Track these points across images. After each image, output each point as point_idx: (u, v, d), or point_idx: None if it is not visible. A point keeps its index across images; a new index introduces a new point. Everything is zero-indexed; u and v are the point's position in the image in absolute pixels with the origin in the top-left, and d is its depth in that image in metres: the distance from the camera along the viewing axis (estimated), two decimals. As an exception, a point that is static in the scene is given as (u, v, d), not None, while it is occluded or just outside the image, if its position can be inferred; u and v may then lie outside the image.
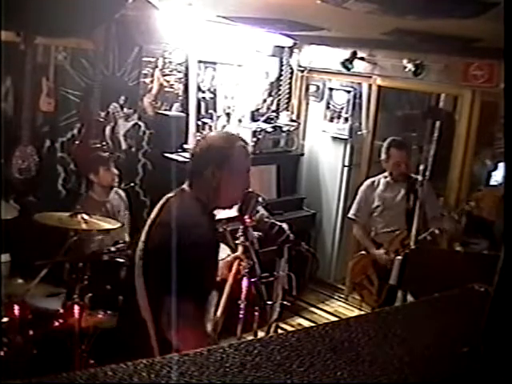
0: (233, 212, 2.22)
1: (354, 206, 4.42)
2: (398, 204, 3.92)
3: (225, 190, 2.06)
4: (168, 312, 1.89)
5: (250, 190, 2.16)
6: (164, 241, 1.94)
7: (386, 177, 4.29)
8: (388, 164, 4.23)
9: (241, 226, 2.18)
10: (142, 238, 2.06)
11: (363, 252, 4.33)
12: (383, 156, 4.26)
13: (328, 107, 5.45)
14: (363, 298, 4.38)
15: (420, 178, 3.86)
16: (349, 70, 4.92)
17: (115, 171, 3.99)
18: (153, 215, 2.13)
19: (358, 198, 4.42)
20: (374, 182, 4.37)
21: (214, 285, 2.10)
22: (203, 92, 4.94)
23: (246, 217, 2.14)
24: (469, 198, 4.17)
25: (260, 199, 2.19)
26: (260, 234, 2.25)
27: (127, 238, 3.95)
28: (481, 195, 3.79)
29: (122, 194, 4.13)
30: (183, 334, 1.86)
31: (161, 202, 2.13)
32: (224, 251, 3.61)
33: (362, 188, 4.42)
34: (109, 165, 3.95)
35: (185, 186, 2.11)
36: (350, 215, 4.47)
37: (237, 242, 2.25)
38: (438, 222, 4.01)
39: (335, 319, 4.65)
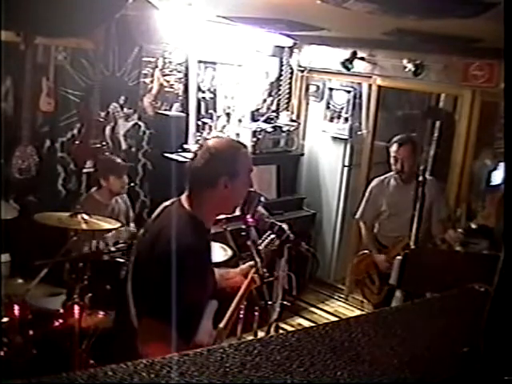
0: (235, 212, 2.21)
1: (362, 207, 4.33)
2: (405, 210, 3.82)
3: (234, 198, 2.07)
4: (141, 327, 1.90)
5: (252, 189, 2.16)
6: (151, 254, 1.96)
7: (395, 177, 4.18)
8: (391, 162, 4.13)
9: (243, 226, 2.18)
10: (136, 245, 2.08)
11: (367, 251, 4.31)
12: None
13: (328, 107, 5.45)
14: (364, 295, 4.37)
15: (429, 177, 3.73)
16: (349, 69, 4.92)
17: (126, 180, 3.97)
18: (147, 225, 2.14)
19: (365, 197, 4.32)
20: (383, 181, 4.26)
21: (206, 296, 2.09)
22: (203, 92, 4.94)
23: (248, 216, 2.14)
24: (474, 213, 4.12)
25: (262, 198, 2.19)
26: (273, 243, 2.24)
27: (128, 240, 3.94)
28: (487, 214, 3.76)
29: (125, 196, 4.12)
30: (154, 350, 1.83)
31: (157, 212, 2.12)
32: (222, 251, 3.64)
33: (371, 187, 4.32)
34: (121, 174, 3.92)
35: (183, 198, 2.06)
36: (356, 217, 4.40)
37: (259, 247, 2.24)
38: (442, 227, 3.95)
39: (335, 319, 4.65)
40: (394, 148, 4.08)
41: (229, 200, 2.06)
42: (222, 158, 2.01)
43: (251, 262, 2.27)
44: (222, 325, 2.12)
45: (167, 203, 2.13)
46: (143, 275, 1.99)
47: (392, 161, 4.12)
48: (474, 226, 3.72)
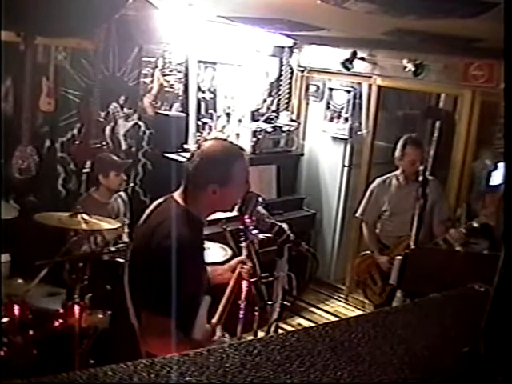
0: (233, 212, 2.21)
1: (362, 205, 4.32)
2: (407, 210, 3.80)
3: (225, 201, 2.06)
4: (142, 323, 1.90)
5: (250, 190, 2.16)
6: (148, 248, 1.95)
7: (397, 177, 4.16)
8: (402, 162, 4.09)
9: (240, 226, 2.18)
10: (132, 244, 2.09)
11: (368, 252, 4.30)
12: (397, 154, 4.10)
13: (328, 107, 5.44)
14: (366, 295, 4.37)
15: (430, 177, 3.72)
16: (349, 69, 4.92)
17: (124, 177, 4.01)
18: (140, 222, 2.14)
19: (366, 196, 4.31)
20: (385, 181, 4.24)
21: (201, 291, 2.09)
22: (203, 92, 4.94)
23: (246, 217, 2.14)
24: (475, 213, 4.11)
25: (260, 199, 2.18)
26: (266, 235, 2.23)
27: (128, 239, 3.95)
28: (488, 212, 3.75)
29: (124, 195, 4.13)
30: (157, 344, 1.87)
31: (149, 209, 2.12)
32: (222, 251, 3.64)
33: (372, 186, 4.31)
34: (120, 170, 3.95)
35: (176, 195, 2.06)
36: (357, 214, 4.39)
37: (241, 244, 2.24)
38: (444, 228, 3.95)
39: (335, 319, 4.65)
40: (410, 150, 4.03)
41: (220, 203, 2.04)
42: (212, 165, 1.98)
43: (240, 258, 2.28)
44: (214, 320, 2.13)
45: (159, 200, 2.13)
46: (141, 270, 1.98)
47: (407, 163, 4.05)
48: (476, 224, 3.71)
